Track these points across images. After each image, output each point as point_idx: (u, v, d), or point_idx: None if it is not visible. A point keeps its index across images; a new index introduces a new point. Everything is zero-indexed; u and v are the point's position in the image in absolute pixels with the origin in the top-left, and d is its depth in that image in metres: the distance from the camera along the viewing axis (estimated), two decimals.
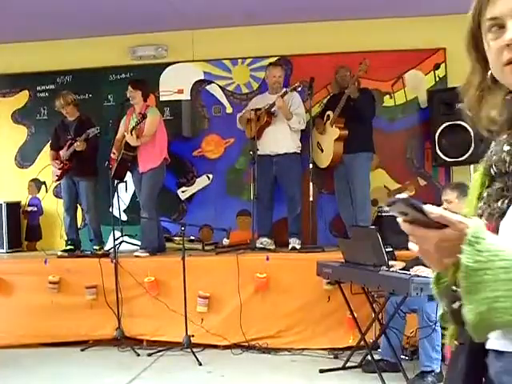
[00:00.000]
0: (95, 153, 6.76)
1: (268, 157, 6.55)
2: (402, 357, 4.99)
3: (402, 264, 4.88)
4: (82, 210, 6.98)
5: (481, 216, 1.35)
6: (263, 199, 6.57)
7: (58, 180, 6.90)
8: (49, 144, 7.17)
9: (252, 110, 6.60)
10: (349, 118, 6.35)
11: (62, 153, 6.76)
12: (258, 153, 6.61)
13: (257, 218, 6.52)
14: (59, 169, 6.77)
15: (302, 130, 6.59)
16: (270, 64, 6.90)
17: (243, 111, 6.80)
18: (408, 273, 4.52)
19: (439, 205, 4.90)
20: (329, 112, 6.53)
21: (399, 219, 1.26)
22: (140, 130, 6.40)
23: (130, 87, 6.49)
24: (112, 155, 6.48)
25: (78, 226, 7.05)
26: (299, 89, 6.32)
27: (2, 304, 6.23)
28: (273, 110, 6.51)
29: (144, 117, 6.37)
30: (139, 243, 6.62)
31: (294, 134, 6.53)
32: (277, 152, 6.51)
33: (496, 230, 1.29)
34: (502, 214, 1.31)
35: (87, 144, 6.56)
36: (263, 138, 6.61)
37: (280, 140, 6.50)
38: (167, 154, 6.57)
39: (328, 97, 6.96)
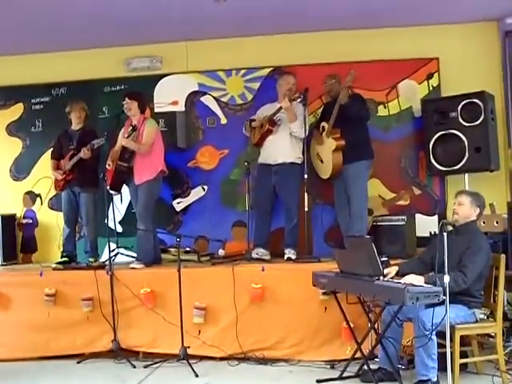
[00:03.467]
0: (97, 164, 6.76)
1: (268, 166, 6.55)
2: (399, 366, 4.97)
3: (395, 269, 4.88)
4: (81, 221, 6.94)
5: None
6: (261, 209, 6.57)
7: (60, 190, 6.88)
8: (48, 153, 7.17)
9: (250, 120, 6.64)
10: (344, 127, 6.35)
11: (63, 163, 6.75)
12: (259, 161, 6.64)
13: (253, 228, 6.51)
14: (61, 179, 6.76)
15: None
16: (284, 72, 6.91)
17: (251, 118, 6.79)
18: (403, 282, 4.53)
19: (435, 214, 4.95)
20: (323, 123, 6.52)
21: None
22: (137, 140, 6.40)
23: (126, 98, 6.49)
24: (107, 167, 6.47)
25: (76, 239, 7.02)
26: (298, 100, 6.31)
27: None
28: (277, 117, 6.52)
29: (134, 128, 6.37)
30: (135, 255, 6.60)
31: (296, 144, 6.50)
32: (277, 161, 6.50)
33: None
34: None
35: (92, 154, 6.56)
36: (265, 147, 6.63)
37: (281, 149, 6.48)
38: (165, 166, 6.56)
39: (322, 107, 6.97)
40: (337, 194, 6.61)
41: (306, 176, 6.22)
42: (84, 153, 6.51)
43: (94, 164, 6.72)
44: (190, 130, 7.42)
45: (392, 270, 4.88)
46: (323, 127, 6.51)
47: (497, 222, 5.91)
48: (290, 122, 6.40)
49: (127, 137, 6.39)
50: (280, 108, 6.42)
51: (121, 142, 6.49)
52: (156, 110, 7.38)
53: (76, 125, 6.90)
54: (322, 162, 6.56)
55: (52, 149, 7.09)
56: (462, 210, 4.88)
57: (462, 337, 4.71)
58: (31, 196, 7.70)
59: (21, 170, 7.73)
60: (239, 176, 7.16)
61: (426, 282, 4.54)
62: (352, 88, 6.53)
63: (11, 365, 5.91)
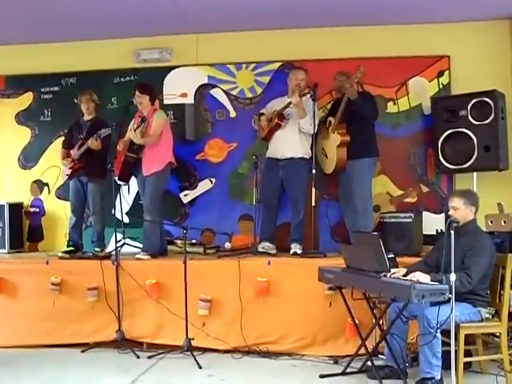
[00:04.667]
0: (105, 154, 6.76)
1: (276, 160, 6.55)
2: (406, 364, 4.96)
3: (403, 270, 4.88)
4: (88, 211, 6.95)
5: None
6: (268, 203, 6.56)
7: (69, 178, 6.89)
8: (57, 142, 7.19)
9: (259, 113, 6.63)
10: (350, 123, 6.36)
11: (72, 152, 6.77)
12: (267, 155, 6.64)
13: (260, 222, 6.51)
14: (70, 168, 6.78)
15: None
16: (294, 67, 6.92)
17: (261, 111, 6.78)
18: (409, 279, 4.52)
19: (442, 212, 4.94)
20: (330, 118, 6.52)
21: None
22: (145, 132, 6.40)
23: (137, 92, 6.48)
24: (116, 158, 6.48)
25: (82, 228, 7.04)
26: (308, 95, 6.29)
27: (3, 304, 6.24)
28: (286, 112, 6.50)
29: (144, 120, 6.38)
30: (141, 246, 6.61)
31: (304, 140, 6.50)
32: (284, 156, 6.49)
33: None
34: None
35: (101, 144, 6.57)
36: (273, 141, 6.62)
37: (289, 144, 6.48)
38: (173, 158, 6.56)
39: (331, 103, 6.96)
40: (342, 189, 6.63)
41: (314, 171, 6.21)
42: (91, 142, 6.53)
43: (103, 154, 6.73)
44: (198, 123, 7.42)
45: (400, 271, 4.85)
46: (330, 122, 6.50)
47: (504, 222, 5.88)
48: (299, 118, 6.39)
49: (136, 128, 6.40)
50: (289, 103, 6.41)
51: (129, 134, 6.50)
52: (165, 101, 7.36)
53: (86, 115, 6.92)
54: (326, 156, 6.56)
55: (64, 138, 7.11)
56: (459, 214, 4.85)
57: (466, 335, 4.70)
58: (39, 185, 7.72)
59: (29, 158, 7.74)
60: (247, 169, 7.15)
61: (432, 281, 4.53)
62: (362, 84, 6.52)
63: (16, 352, 5.95)
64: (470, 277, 4.56)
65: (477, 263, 4.64)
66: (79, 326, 6.08)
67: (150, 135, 6.40)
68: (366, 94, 6.52)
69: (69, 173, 6.81)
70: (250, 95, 7.35)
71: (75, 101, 7.03)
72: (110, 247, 6.85)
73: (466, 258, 4.68)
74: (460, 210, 4.87)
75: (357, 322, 5.27)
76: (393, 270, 4.77)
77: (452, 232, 4.32)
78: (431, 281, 4.52)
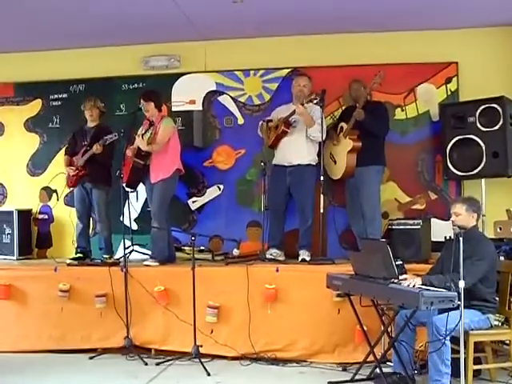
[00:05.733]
0: (110, 161, 6.79)
1: (283, 167, 6.54)
2: (414, 371, 4.94)
3: (419, 280, 4.70)
4: (94, 218, 6.97)
5: None
6: (276, 210, 6.55)
7: (71, 186, 6.92)
8: (64, 149, 7.21)
9: (266, 120, 6.63)
10: (362, 131, 6.36)
11: (75, 159, 6.78)
12: (274, 162, 6.64)
13: (268, 229, 6.51)
14: (73, 175, 6.79)
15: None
16: (297, 74, 6.94)
17: (267, 118, 6.76)
18: (418, 287, 4.51)
19: (449, 218, 4.93)
20: (342, 123, 6.52)
21: None
22: (153, 139, 6.41)
23: (142, 100, 6.50)
24: (124, 165, 6.49)
25: (90, 235, 7.06)
26: (315, 101, 6.29)
27: (12, 310, 6.25)
28: (292, 119, 6.50)
29: (151, 124, 6.39)
30: (149, 252, 6.61)
31: (311, 146, 6.50)
32: (291, 163, 6.49)
33: None
34: None
35: (104, 150, 6.59)
36: (279, 148, 6.62)
37: (296, 151, 6.47)
38: (181, 165, 6.57)
39: (342, 109, 6.97)
40: (349, 196, 6.62)
41: (322, 178, 6.20)
42: (96, 148, 6.55)
43: (107, 161, 6.76)
44: (206, 130, 7.43)
45: (416, 280, 4.76)
46: (341, 127, 6.51)
47: None
48: (308, 126, 6.39)
49: (144, 132, 6.42)
50: (294, 111, 6.40)
51: (137, 141, 6.52)
52: (173, 108, 7.39)
53: (90, 122, 6.95)
54: (335, 162, 6.57)
55: (67, 145, 7.13)
56: (460, 219, 4.85)
57: (475, 343, 4.68)
58: (47, 192, 7.74)
59: (38, 165, 7.78)
60: (255, 176, 7.17)
61: (423, 283, 4.53)
62: (371, 92, 6.53)
63: (24, 357, 5.97)
64: (463, 277, 4.47)
65: (473, 266, 4.60)
66: (88, 332, 6.08)
67: (157, 142, 6.41)
68: (376, 107, 6.53)
69: (72, 180, 6.82)
70: (258, 102, 7.36)
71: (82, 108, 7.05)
72: (119, 254, 6.87)
73: (464, 264, 4.64)
74: (462, 216, 4.86)
75: (365, 328, 5.25)
76: (408, 281, 4.66)
77: (461, 239, 4.31)
78: (422, 284, 4.51)
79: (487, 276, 4.71)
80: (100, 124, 6.96)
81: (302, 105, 6.30)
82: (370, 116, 6.29)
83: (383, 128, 6.48)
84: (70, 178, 6.87)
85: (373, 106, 6.46)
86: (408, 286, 4.55)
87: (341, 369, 5.48)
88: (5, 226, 7.38)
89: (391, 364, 5.04)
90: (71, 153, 6.96)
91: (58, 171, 7.57)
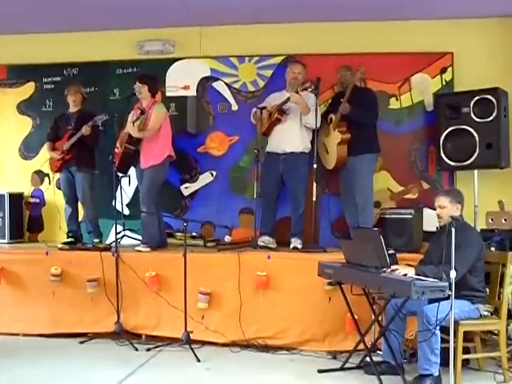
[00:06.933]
0: (95, 145, 6.81)
1: (276, 155, 6.54)
2: (403, 360, 4.97)
3: (412, 269, 4.73)
4: (80, 202, 6.96)
5: None
6: (268, 197, 6.55)
7: (57, 171, 6.91)
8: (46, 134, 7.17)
9: (260, 107, 6.60)
10: (350, 121, 6.35)
11: (61, 143, 6.77)
12: (267, 150, 6.63)
13: (260, 216, 6.50)
14: (59, 160, 6.78)
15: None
16: (291, 61, 6.91)
17: (260, 105, 6.70)
18: (410, 276, 4.52)
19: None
20: (331, 115, 6.51)
21: None
22: (144, 125, 6.39)
23: (137, 82, 6.47)
24: (116, 150, 6.47)
25: (79, 219, 7.04)
26: (310, 89, 6.27)
27: (3, 294, 6.26)
28: (286, 107, 6.48)
29: (143, 112, 6.37)
30: (141, 238, 6.61)
31: (305, 134, 6.49)
32: (285, 150, 6.48)
33: None
34: None
35: (90, 134, 6.58)
36: (273, 136, 6.61)
37: (289, 139, 6.47)
38: (173, 151, 6.55)
39: (332, 97, 6.95)
40: (342, 185, 6.62)
41: (315, 166, 6.20)
42: (85, 129, 6.54)
43: (92, 144, 6.78)
44: (200, 116, 7.42)
45: (410, 270, 4.76)
46: (331, 119, 6.49)
47: (505, 220, 5.88)
48: (303, 114, 6.38)
49: (135, 119, 6.40)
50: (289, 98, 6.39)
51: (127, 127, 6.49)
52: (167, 94, 7.37)
53: (73, 107, 6.94)
54: (327, 152, 6.57)
55: (49, 130, 7.09)
56: (445, 212, 4.87)
57: (464, 332, 4.70)
58: (39, 175, 7.72)
59: (30, 148, 7.74)
60: (248, 163, 7.17)
61: (416, 274, 4.54)
62: (365, 80, 6.52)
63: (15, 341, 6.00)
64: (454, 268, 4.46)
65: (462, 255, 4.60)
66: (79, 316, 6.08)
67: (148, 129, 6.39)
68: (364, 94, 6.51)
69: (58, 164, 6.81)
70: (252, 89, 7.34)
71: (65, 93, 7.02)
72: (110, 239, 6.85)
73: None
74: (446, 208, 4.89)
75: (356, 317, 5.27)
76: (399, 271, 4.69)
77: (453, 229, 4.31)
78: (416, 274, 4.53)
79: (475, 265, 4.73)
80: (82, 109, 6.95)
81: (297, 92, 6.29)
82: (356, 106, 6.26)
83: (370, 116, 6.44)
84: (55, 162, 6.86)
85: (361, 93, 6.43)
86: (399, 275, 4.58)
87: (331, 357, 5.50)
88: None
89: (381, 353, 5.06)
90: (53, 138, 6.95)
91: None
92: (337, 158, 6.40)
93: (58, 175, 7.23)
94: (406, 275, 4.55)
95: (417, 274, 4.55)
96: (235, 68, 7.38)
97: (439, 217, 4.94)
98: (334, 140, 6.43)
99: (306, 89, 6.29)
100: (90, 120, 6.55)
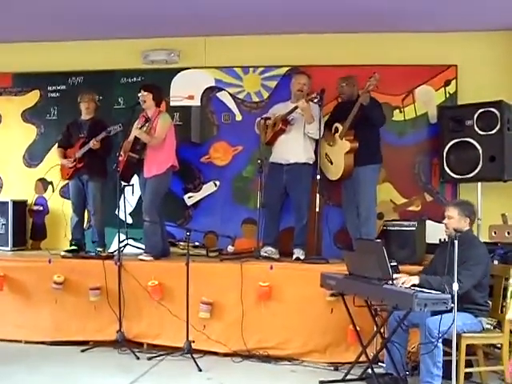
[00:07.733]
0: (107, 154, 6.79)
1: (279, 165, 6.55)
2: (406, 372, 4.95)
3: (416, 278, 4.74)
4: (89, 211, 6.96)
5: None
6: (271, 208, 6.55)
7: (68, 179, 6.91)
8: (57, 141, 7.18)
9: (265, 117, 6.61)
10: (358, 130, 6.34)
11: (73, 151, 6.78)
12: (270, 160, 6.64)
13: (263, 227, 6.50)
14: (71, 167, 6.78)
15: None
16: (296, 72, 6.93)
17: (264, 116, 6.70)
18: (412, 288, 4.52)
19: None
20: (337, 124, 6.49)
21: None
22: (150, 133, 6.40)
23: (142, 90, 6.49)
24: (120, 158, 6.48)
25: (84, 228, 7.05)
26: (315, 100, 6.28)
27: (6, 301, 6.26)
28: (290, 117, 6.50)
29: (148, 120, 6.38)
30: (143, 247, 6.61)
31: (308, 145, 6.51)
32: (288, 161, 6.49)
33: None
34: None
35: (102, 144, 6.59)
36: (276, 146, 6.63)
37: (293, 149, 6.48)
38: (176, 161, 6.56)
39: (334, 107, 6.93)
40: (345, 196, 6.61)
41: (318, 177, 6.20)
42: (93, 144, 6.55)
43: (104, 154, 6.77)
44: (204, 125, 7.43)
45: (413, 278, 4.78)
46: (336, 128, 6.49)
47: (508, 233, 5.88)
48: (307, 123, 6.39)
49: (140, 127, 6.42)
50: (295, 108, 6.41)
51: (134, 132, 6.50)
52: (172, 103, 7.37)
53: (85, 115, 6.95)
54: (331, 163, 6.55)
55: (60, 137, 7.10)
56: (452, 223, 4.87)
57: (467, 345, 4.70)
58: (43, 183, 7.73)
59: (34, 156, 7.76)
60: (252, 173, 7.16)
61: (420, 282, 4.56)
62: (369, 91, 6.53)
63: (18, 348, 6.01)
64: (460, 281, 4.47)
65: (470, 272, 4.61)
66: (82, 324, 6.09)
67: (154, 136, 6.40)
68: (373, 100, 6.51)
69: (69, 172, 6.81)
70: (256, 99, 7.36)
71: (78, 100, 7.03)
72: (113, 247, 6.86)
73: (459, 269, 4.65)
74: (454, 219, 4.89)
75: (358, 329, 5.26)
76: (403, 279, 4.69)
77: (455, 242, 4.32)
78: (419, 284, 4.53)
79: (480, 281, 4.72)
80: (95, 117, 6.96)
81: (307, 102, 6.29)
82: (370, 106, 6.25)
83: (381, 117, 6.44)
84: (66, 170, 6.85)
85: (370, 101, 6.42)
86: (403, 283, 4.58)
87: (332, 368, 5.49)
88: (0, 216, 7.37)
89: (383, 365, 5.06)
90: (65, 145, 6.95)
91: (54, 163, 7.50)
92: (344, 168, 6.36)
93: (62, 183, 7.25)
94: (413, 285, 4.55)
95: (420, 282, 4.54)
96: (240, 78, 7.40)
97: (446, 227, 4.93)
98: (340, 149, 6.40)
99: (311, 100, 6.29)
100: (103, 129, 6.56)
